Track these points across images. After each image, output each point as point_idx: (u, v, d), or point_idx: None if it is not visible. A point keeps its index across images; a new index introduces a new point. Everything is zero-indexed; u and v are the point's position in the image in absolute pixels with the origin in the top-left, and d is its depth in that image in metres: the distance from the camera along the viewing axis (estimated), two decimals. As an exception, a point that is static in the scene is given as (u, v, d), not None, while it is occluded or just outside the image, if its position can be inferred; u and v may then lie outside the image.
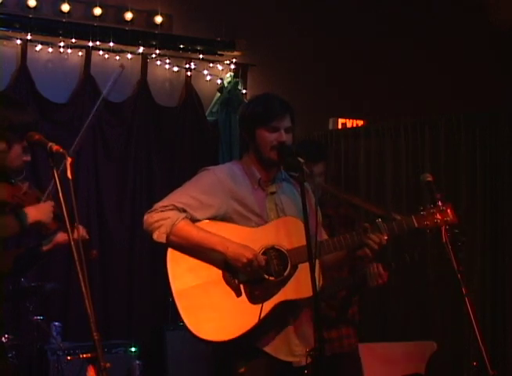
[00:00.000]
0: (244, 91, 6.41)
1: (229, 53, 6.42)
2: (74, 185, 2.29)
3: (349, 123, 6.43)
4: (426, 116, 5.63)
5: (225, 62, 6.41)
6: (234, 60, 6.42)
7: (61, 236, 2.91)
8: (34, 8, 5.69)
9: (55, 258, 5.37)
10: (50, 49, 5.82)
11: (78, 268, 2.25)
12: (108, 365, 2.23)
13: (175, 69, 6.27)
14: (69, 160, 2.37)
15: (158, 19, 6.16)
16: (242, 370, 2.87)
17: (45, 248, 2.94)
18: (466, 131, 5.25)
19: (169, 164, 6.16)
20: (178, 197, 2.95)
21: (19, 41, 5.69)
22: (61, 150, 2.41)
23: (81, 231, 2.74)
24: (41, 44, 5.77)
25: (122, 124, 6.06)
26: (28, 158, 2.85)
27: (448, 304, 5.15)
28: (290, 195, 3.07)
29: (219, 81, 6.39)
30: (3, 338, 3.27)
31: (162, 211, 2.91)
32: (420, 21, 6.99)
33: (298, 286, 2.85)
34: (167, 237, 2.88)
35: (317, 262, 2.76)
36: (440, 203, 2.96)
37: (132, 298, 5.94)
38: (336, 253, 3.00)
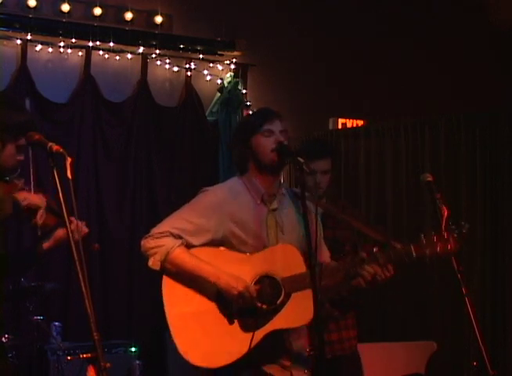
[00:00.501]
0: (244, 91, 6.40)
1: (229, 53, 6.42)
2: (74, 185, 2.29)
3: (349, 123, 6.43)
4: (426, 116, 5.64)
5: (225, 62, 6.40)
6: (234, 60, 6.41)
7: (61, 231, 2.87)
8: (34, 8, 5.68)
9: (55, 257, 5.37)
10: (50, 49, 5.81)
11: (78, 268, 2.24)
12: (108, 365, 2.22)
13: (175, 69, 6.26)
14: (69, 160, 2.37)
15: (158, 19, 6.15)
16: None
17: (45, 246, 2.90)
18: (466, 131, 5.25)
19: (169, 164, 6.16)
20: (174, 221, 2.95)
21: (19, 41, 5.69)
22: (61, 149, 2.41)
23: (80, 224, 2.71)
24: (41, 44, 5.77)
25: (122, 124, 6.06)
26: (21, 158, 2.84)
27: (448, 304, 5.16)
28: (291, 211, 3.04)
29: (219, 81, 6.38)
30: (3, 338, 3.27)
31: (158, 237, 2.91)
32: (420, 21, 6.99)
33: (291, 315, 2.83)
34: (162, 265, 2.89)
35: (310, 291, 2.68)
36: (445, 233, 2.85)
37: (132, 298, 5.93)
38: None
